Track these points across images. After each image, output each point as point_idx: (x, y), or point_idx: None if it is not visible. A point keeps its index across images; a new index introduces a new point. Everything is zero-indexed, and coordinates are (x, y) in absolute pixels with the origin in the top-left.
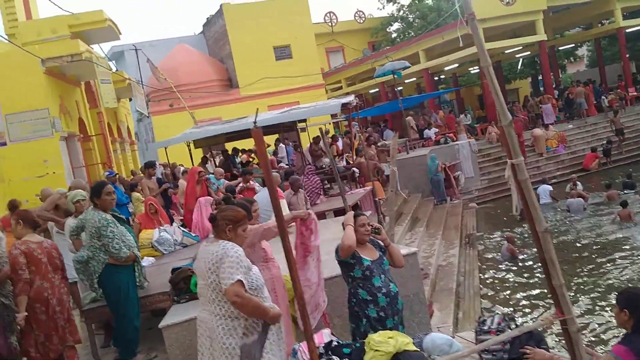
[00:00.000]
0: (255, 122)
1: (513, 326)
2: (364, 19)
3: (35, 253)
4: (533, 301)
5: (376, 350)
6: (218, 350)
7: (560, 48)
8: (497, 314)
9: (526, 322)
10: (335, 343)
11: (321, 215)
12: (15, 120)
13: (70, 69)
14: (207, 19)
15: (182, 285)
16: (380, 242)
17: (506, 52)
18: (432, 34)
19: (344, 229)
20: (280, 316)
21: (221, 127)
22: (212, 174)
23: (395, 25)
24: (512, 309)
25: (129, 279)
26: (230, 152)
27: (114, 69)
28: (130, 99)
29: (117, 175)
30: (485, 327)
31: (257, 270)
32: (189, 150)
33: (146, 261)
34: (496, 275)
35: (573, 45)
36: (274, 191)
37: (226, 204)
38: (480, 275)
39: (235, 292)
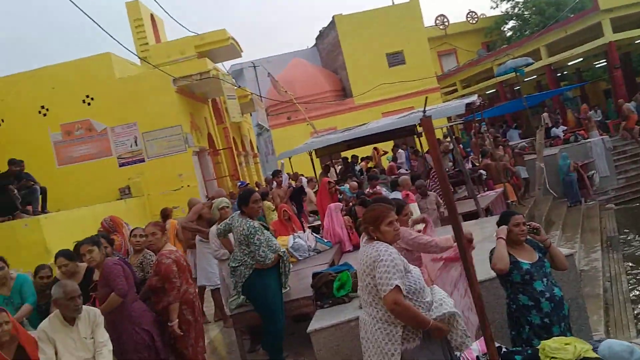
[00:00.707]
0: (424, 112)
1: None
2: (476, 19)
3: (181, 261)
4: None
5: (553, 357)
6: (380, 354)
7: None
8: None
9: None
10: (504, 349)
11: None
12: (151, 138)
13: (199, 87)
14: (320, 31)
15: (325, 290)
16: (539, 243)
17: (636, 42)
18: (555, 27)
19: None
20: (443, 331)
21: (357, 130)
22: (338, 180)
23: (510, 24)
24: None
25: (274, 283)
26: (349, 160)
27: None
28: (251, 114)
29: (248, 185)
30: None
31: (418, 271)
32: (311, 159)
33: None
34: None
35: None
36: (448, 189)
37: (363, 207)
38: (629, 279)
39: (393, 299)
